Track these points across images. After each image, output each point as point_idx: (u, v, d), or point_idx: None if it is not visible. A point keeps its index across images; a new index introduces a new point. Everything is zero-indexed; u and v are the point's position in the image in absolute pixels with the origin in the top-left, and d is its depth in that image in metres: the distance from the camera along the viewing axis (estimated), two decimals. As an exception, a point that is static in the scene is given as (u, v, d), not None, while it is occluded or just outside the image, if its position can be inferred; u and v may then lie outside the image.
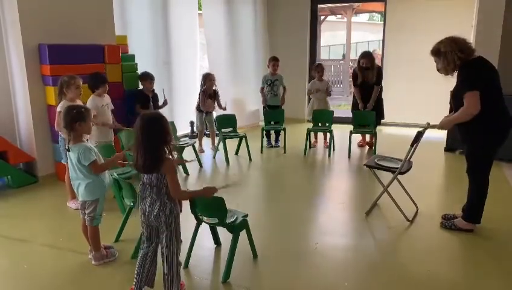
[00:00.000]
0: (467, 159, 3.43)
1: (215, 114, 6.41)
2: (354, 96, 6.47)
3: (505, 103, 3.25)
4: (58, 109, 3.88)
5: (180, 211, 2.52)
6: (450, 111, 3.71)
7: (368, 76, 6.08)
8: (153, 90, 5.53)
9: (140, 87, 5.53)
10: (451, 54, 3.21)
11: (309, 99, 6.84)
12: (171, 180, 2.36)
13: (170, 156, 2.39)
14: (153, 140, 2.31)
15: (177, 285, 2.48)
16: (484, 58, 3.25)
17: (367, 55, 6.13)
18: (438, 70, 3.41)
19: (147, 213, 2.42)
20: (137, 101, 5.30)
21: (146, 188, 2.43)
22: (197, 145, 6.08)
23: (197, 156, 5.62)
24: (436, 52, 3.33)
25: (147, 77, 5.42)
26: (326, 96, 6.50)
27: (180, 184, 2.43)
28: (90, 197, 2.93)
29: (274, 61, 6.52)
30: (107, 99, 4.48)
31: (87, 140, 3.08)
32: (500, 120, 3.23)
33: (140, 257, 2.53)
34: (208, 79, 6.14)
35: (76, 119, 2.84)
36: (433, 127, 3.48)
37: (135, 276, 2.52)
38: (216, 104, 6.27)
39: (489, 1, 6.21)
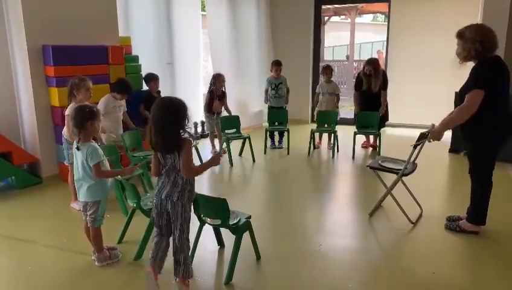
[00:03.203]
0: (470, 159, 3.40)
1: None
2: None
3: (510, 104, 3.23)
4: (67, 112, 3.86)
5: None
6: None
7: (372, 83, 6.05)
8: (159, 91, 5.53)
9: (144, 88, 5.54)
10: (471, 41, 3.14)
11: (313, 99, 6.83)
12: (187, 158, 2.40)
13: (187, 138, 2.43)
14: (173, 122, 2.36)
15: (187, 267, 2.54)
16: (500, 58, 3.18)
17: (372, 62, 6.10)
18: (456, 54, 3.32)
19: (163, 198, 2.46)
20: (142, 102, 5.30)
21: (170, 172, 2.45)
22: (208, 146, 6.30)
23: (199, 156, 5.61)
24: (461, 34, 3.24)
25: (152, 78, 5.43)
26: (334, 98, 6.47)
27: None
28: (92, 199, 2.93)
29: (277, 66, 6.53)
30: (121, 101, 4.69)
31: (96, 139, 3.10)
32: (504, 121, 3.21)
33: (154, 243, 2.61)
34: (218, 80, 6.11)
35: (89, 118, 2.86)
36: (428, 138, 3.39)
37: (150, 257, 2.62)
38: (223, 107, 6.28)
39: (494, 1, 6.18)
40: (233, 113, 6.35)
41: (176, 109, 2.39)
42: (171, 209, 2.47)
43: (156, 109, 2.38)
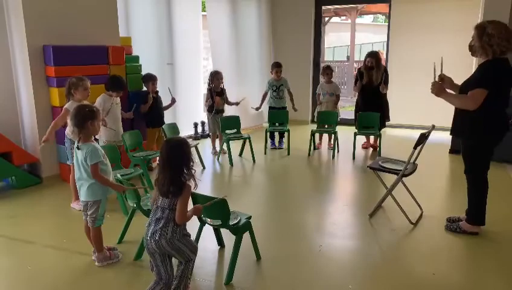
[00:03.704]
0: (465, 159, 3.41)
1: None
2: (357, 99, 6.45)
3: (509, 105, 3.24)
4: (66, 106, 3.91)
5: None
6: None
7: (373, 76, 6.05)
8: (157, 91, 5.53)
9: (144, 88, 5.54)
10: (497, 38, 3.03)
11: (313, 100, 6.83)
12: (182, 205, 2.37)
13: (189, 182, 2.41)
14: (177, 166, 2.36)
15: None
16: (508, 61, 3.13)
17: (374, 55, 6.12)
18: (469, 46, 3.25)
19: (148, 239, 2.38)
20: (143, 102, 5.30)
21: (158, 210, 2.41)
22: (208, 146, 6.32)
23: (199, 157, 5.61)
24: (481, 29, 3.12)
25: (150, 79, 5.42)
26: (334, 99, 6.46)
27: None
28: (92, 198, 2.93)
29: (277, 68, 6.53)
30: (116, 98, 4.67)
31: (97, 139, 3.10)
32: (500, 121, 3.22)
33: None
34: (215, 78, 6.11)
35: (89, 117, 2.87)
36: (431, 88, 3.42)
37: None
38: (226, 104, 6.30)
39: (494, 2, 6.19)
40: (233, 114, 6.35)
41: (179, 149, 2.39)
42: (157, 249, 2.37)
43: (162, 149, 2.40)
